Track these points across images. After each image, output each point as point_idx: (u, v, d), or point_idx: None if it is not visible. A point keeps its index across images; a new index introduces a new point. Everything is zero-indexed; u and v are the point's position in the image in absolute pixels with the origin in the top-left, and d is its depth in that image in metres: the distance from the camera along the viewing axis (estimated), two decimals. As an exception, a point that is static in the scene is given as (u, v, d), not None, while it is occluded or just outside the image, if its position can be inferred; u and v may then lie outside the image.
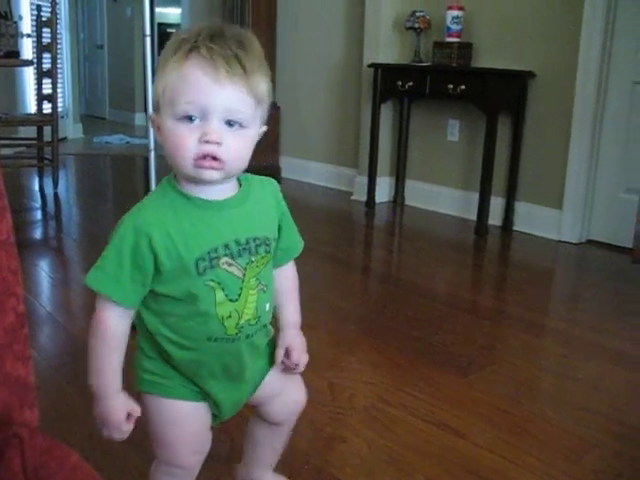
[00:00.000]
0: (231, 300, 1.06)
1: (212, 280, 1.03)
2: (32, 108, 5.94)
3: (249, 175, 1.11)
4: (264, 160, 5.24)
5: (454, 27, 3.98)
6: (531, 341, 2.41)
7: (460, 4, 3.98)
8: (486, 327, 2.54)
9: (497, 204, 3.91)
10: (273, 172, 5.32)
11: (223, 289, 1.04)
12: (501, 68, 3.78)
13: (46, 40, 4.78)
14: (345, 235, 4.05)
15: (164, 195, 1.05)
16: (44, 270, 3.09)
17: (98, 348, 1.04)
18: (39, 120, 4.81)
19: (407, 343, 2.31)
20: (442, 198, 4.36)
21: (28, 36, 5.99)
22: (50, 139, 4.68)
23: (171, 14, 9.86)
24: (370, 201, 4.55)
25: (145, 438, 1.14)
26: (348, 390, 1.99)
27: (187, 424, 1.14)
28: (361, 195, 4.65)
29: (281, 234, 1.16)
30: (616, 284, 3.06)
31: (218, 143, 0.97)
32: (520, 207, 3.85)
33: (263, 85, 1.01)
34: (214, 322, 1.06)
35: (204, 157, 0.98)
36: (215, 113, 0.97)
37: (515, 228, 3.88)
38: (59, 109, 5.59)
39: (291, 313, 1.22)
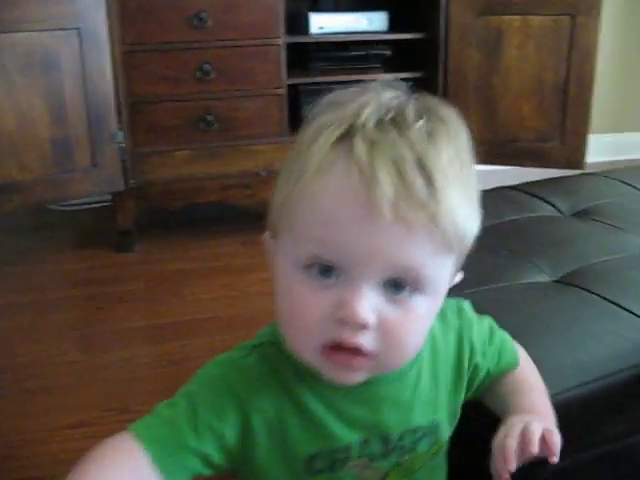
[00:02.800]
0: None
1: None
2: None
3: None
4: None
5: None
6: None
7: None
8: None
9: None
10: None
11: None
12: None
13: None
14: None
15: (265, 357, 0.65)
16: None
17: None
18: None
19: None
20: None
21: None
22: None
23: None
24: None
25: None
26: None
27: None
28: None
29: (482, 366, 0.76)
30: None
31: (364, 326, 0.55)
32: None
33: (464, 215, 0.56)
34: None
35: (337, 348, 0.56)
36: (368, 268, 0.54)
37: None
38: None
39: (529, 402, 0.76)
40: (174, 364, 1.82)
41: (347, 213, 0.53)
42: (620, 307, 1.07)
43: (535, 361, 0.83)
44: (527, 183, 1.71)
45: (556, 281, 1.18)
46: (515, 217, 1.46)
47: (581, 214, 1.50)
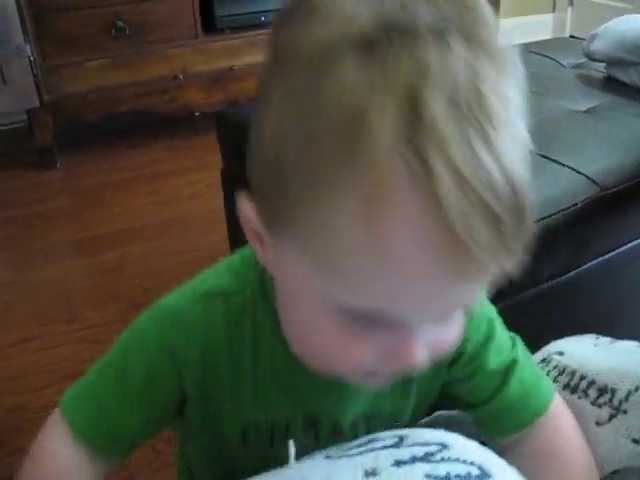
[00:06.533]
0: None
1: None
2: None
3: None
4: None
5: None
6: None
7: None
8: None
9: None
10: None
11: None
12: None
13: None
14: None
15: (212, 310, 0.55)
16: None
17: None
18: None
19: None
20: None
21: None
22: None
23: None
24: None
25: None
26: None
27: None
28: None
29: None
30: None
31: (418, 366, 0.45)
32: None
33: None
34: None
35: (377, 374, 0.48)
36: (436, 316, 0.44)
37: None
38: None
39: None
40: (113, 271, 1.85)
41: (432, 264, 0.37)
42: (550, 159, 1.16)
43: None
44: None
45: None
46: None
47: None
